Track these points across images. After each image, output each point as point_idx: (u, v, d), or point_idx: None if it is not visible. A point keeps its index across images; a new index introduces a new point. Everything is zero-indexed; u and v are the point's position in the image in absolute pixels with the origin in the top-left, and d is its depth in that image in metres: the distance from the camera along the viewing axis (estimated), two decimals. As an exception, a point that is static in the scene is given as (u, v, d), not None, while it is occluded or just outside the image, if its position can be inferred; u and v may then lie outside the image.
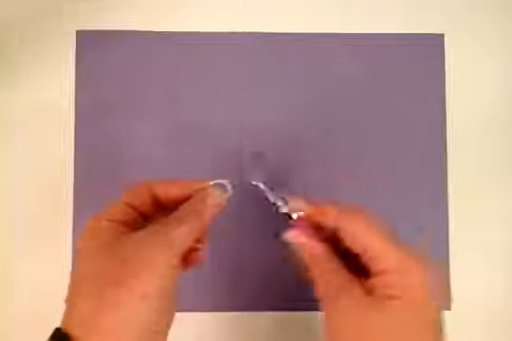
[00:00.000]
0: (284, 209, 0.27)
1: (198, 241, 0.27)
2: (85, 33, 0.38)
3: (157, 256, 0.22)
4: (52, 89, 0.38)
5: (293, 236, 0.26)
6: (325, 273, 0.25)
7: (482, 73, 0.39)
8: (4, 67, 0.38)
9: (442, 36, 0.39)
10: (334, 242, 0.26)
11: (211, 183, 0.27)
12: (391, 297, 0.23)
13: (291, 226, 0.27)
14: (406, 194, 0.38)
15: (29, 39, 0.38)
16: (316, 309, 0.36)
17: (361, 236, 0.24)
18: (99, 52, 0.38)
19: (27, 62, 0.38)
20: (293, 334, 0.37)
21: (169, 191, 0.26)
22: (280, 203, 0.27)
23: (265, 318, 0.37)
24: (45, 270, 0.37)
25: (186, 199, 0.26)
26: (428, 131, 0.39)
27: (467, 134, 0.39)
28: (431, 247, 0.38)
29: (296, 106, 0.38)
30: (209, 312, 0.37)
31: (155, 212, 0.27)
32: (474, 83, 0.39)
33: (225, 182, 0.27)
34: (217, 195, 0.26)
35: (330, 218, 0.26)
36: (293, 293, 0.37)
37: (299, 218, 0.27)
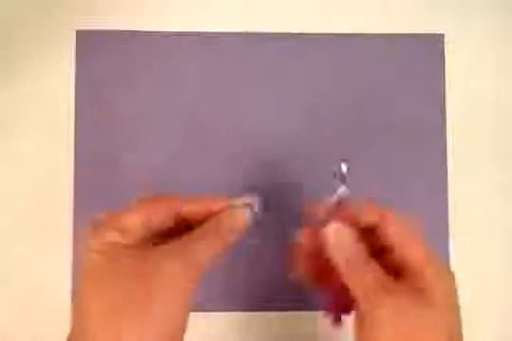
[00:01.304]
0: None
1: None
2: (85, 33, 0.38)
3: (179, 274, 0.21)
4: (52, 89, 0.38)
5: (342, 228, 0.25)
6: (366, 270, 0.24)
7: (482, 73, 0.39)
8: (4, 67, 0.38)
9: (442, 36, 0.39)
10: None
11: (240, 202, 0.26)
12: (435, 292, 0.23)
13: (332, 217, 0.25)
14: (406, 194, 0.38)
15: (29, 39, 0.38)
16: (317, 309, 0.36)
17: (403, 243, 0.24)
18: (99, 52, 0.38)
19: (27, 62, 0.38)
20: (294, 334, 0.37)
21: (194, 211, 0.25)
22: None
23: (266, 318, 0.37)
24: (45, 270, 0.37)
25: (211, 216, 0.25)
26: (428, 130, 0.39)
27: (468, 133, 0.39)
28: (431, 247, 0.38)
29: (295, 106, 0.38)
30: (208, 312, 0.37)
31: (175, 228, 0.25)
32: (474, 83, 0.39)
33: (254, 199, 0.26)
34: (243, 216, 0.25)
35: (375, 214, 0.25)
36: (294, 293, 0.37)
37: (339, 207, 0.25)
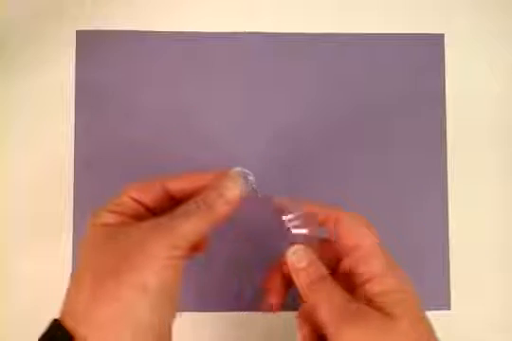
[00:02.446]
0: (293, 224, 0.25)
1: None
2: (85, 33, 0.38)
3: (159, 248, 0.21)
4: (52, 89, 0.38)
5: (300, 250, 0.25)
6: (331, 297, 0.23)
7: (482, 73, 0.39)
8: (4, 68, 0.38)
9: (442, 36, 0.39)
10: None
11: (230, 172, 0.24)
12: (397, 314, 0.22)
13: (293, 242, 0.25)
14: (405, 194, 0.38)
15: (29, 39, 0.38)
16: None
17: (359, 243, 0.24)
18: (99, 52, 0.38)
19: (27, 63, 0.38)
20: (295, 334, 0.37)
21: (183, 187, 0.25)
22: (290, 217, 0.25)
23: (267, 318, 0.37)
24: (45, 270, 0.37)
25: (201, 192, 0.24)
26: (428, 130, 0.39)
27: (468, 133, 0.39)
28: (431, 247, 0.38)
29: (295, 106, 0.38)
30: (208, 312, 0.37)
31: (168, 207, 0.25)
32: (474, 83, 0.39)
33: (245, 172, 0.24)
34: (232, 187, 0.24)
35: (331, 219, 0.25)
36: (294, 293, 0.37)
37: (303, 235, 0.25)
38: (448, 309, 0.37)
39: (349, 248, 0.24)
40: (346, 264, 0.24)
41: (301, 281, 0.24)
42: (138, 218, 0.24)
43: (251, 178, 0.24)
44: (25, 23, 0.38)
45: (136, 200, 0.24)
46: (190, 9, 0.39)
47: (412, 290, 0.23)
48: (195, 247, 0.26)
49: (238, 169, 0.24)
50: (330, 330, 0.22)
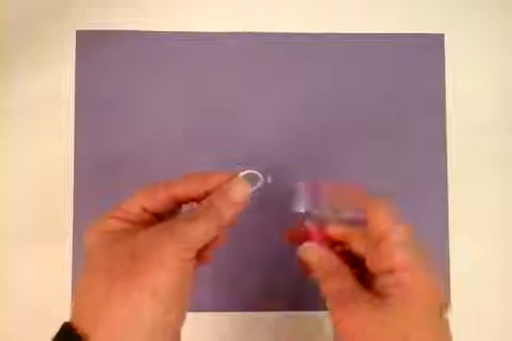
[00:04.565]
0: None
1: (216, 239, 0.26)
2: (85, 33, 0.38)
3: (167, 251, 0.21)
4: (52, 89, 0.38)
5: (309, 248, 0.26)
6: (335, 281, 0.24)
7: (482, 73, 0.39)
8: (4, 67, 0.38)
9: (442, 36, 0.39)
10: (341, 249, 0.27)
11: (240, 175, 0.25)
12: (393, 296, 0.23)
13: (305, 235, 0.26)
14: (405, 194, 0.38)
15: (29, 39, 0.38)
16: (317, 309, 0.36)
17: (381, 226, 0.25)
18: (99, 52, 0.38)
19: (28, 63, 0.38)
20: (295, 334, 0.37)
21: (189, 191, 0.25)
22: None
23: (267, 318, 0.37)
24: (45, 270, 0.37)
25: (209, 194, 0.24)
26: (427, 131, 0.39)
27: (468, 133, 0.39)
28: (431, 246, 0.38)
29: (295, 106, 0.38)
30: (208, 312, 0.37)
31: (174, 212, 0.26)
32: (474, 83, 0.39)
33: (255, 173, 0.24)
34: (240, 190, 0.24)
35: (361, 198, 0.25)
36: (294, 293, 0.37)
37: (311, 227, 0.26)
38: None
39: (377, 237, 0.25)
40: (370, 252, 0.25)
41: (319, 272, 0.25)
42: (144, 223, 0.24)
43: (260, 183, 0.25)
44: (25, 23, 0.38)
45: (141, 205, 0.24)
46: (190, 10, 0.39)
47: (429, 287, 0.24)
48: (201, 258, 0.26)
49: (248, 171, 0.25)
50: (333, 317, 0.23)
